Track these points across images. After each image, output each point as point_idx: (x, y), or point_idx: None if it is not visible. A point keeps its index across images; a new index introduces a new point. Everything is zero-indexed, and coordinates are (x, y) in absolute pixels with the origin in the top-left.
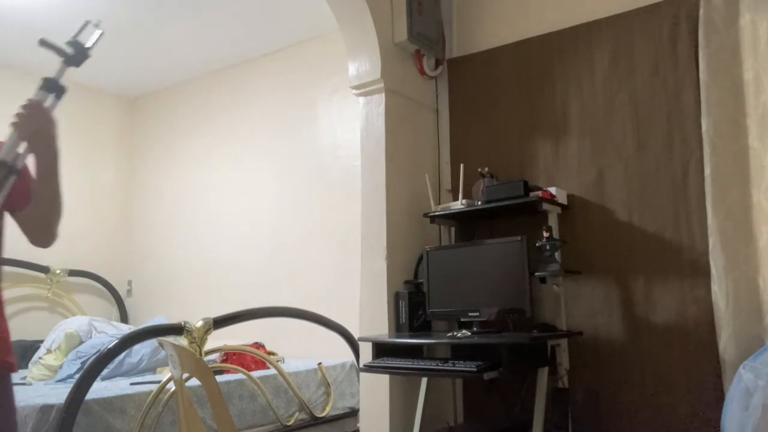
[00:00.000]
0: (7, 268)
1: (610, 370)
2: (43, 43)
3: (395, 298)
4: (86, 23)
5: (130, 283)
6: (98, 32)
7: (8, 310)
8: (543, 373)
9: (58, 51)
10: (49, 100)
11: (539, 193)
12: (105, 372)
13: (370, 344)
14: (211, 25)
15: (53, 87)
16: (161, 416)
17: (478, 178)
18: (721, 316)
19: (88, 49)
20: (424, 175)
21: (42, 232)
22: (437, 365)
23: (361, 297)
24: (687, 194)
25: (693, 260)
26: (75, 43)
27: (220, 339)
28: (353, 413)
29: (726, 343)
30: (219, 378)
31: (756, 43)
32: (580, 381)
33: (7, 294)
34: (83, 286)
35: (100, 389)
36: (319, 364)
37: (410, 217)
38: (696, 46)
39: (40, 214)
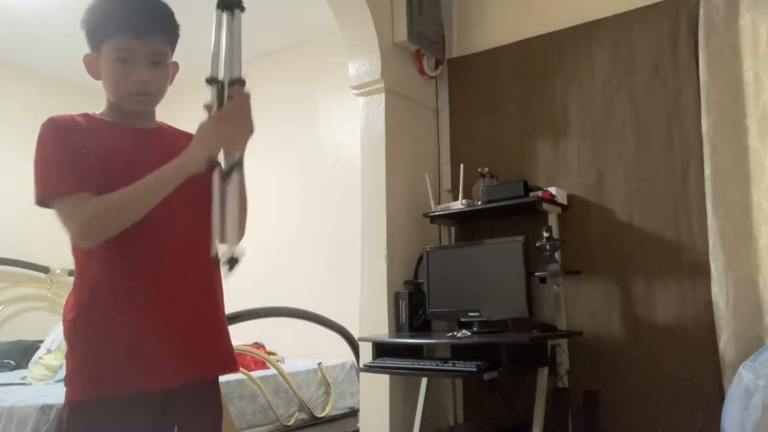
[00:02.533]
0: (7, 268)
1: (610, 370)
2: None
3: (395, 298)
4: None
5: None
6: None
7: (8, 310)
8: (543, 373)
9: None
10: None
11: (539, 193)
12: None
13: (370, 344)
14: (210, 25)
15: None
16: None
17: (478, 178)
18: (721, 316)
19: None
20: (424, 175)
21: (242, 232)
22: (437, 365)
23: (361, 297)
24: (687, 194)
25: (693, 260)
26: None
27: None
28: (353, 413)
29: (726, 343)
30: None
31: (756, 43)
32: (580, 381)
33: (7, 294)
34: None
35: None
36: (319, 364)
37: (410, 217)
38: (696, 46)
39: (243, 218)
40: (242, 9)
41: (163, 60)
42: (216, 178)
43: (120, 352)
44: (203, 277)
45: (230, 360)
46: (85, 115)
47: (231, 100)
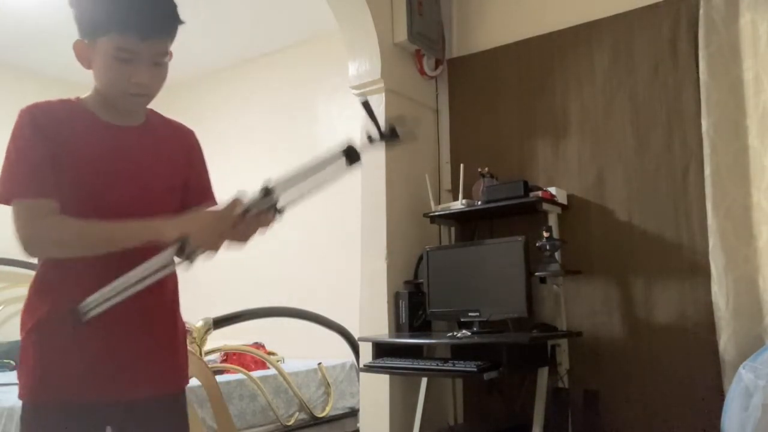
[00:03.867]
0: (7, 268)
1: (610, 370)
2: (367, 106)
3: (395, 298)
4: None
5: None
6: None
7: (8, 310)
8: (543, 373)
9: (377, 125)
10: (341, 166)
11: (539, 193)
12: None
13: (370, 344)
14: (210, 25)
15: (354, 156)
16: None
17: (478, 178)
18: (721, 316)
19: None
20: (424, 175)
21: None
22: (437, 365)
23: (361, 297)
24: (687, 194)
25: (693, 260)
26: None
27: (220, 339)
28: (353, 413)
29: (726, 343)
30: (219, 378)
31: (756, 43)
32: (580, 381)
33: (7, 294)
34: None
35: None
36: (319, 364)
37: (410, 217)
38: (696, 46)
39: None
40: (359, 162)
41: (164, 59)
42: (171, 251)
43: (76, 360)
44: (162, 290)
45: (179, 377)
46: (66, 103)
47: (252, 218)
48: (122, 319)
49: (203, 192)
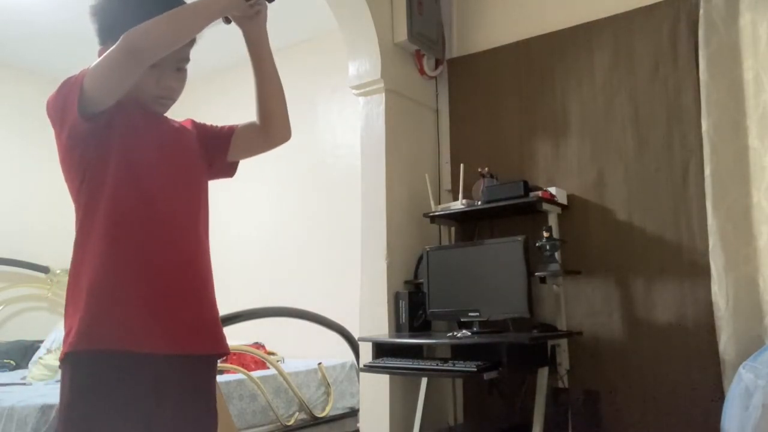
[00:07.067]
0: (7, 268)
1: (610, 370)
2: None
3: (395, 298)
4: None
5: None
6: None
7: (8, 310)
8: (543, 373)
9: None
10: None
11: (539, 193)
12: None
13: (370, 344)
14: (210, 25)
15: None
16: None
17: (478, 178)
18: (721, 316)
19: None
20: (424, 175)
21: (286, 115)
22: (437, 365)
23: (361, 297)
24: (687, 194)
25: (693, 260)
26: None
27: None
28: (353, 413)
29: (726, 343)
30: (219, 378)
31: (756, 43)
32: (580, 381)
33: (7, 294)
34: None
35: None
36: (319, 364)
37: (410, 217)
38: (696, 46)
39: (281, 97)
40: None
41: (186, 65)
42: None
43: (140, 312)
44: (206, 264)
45: (226, 343)
46: None
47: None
48: (179, 276)
49: (217, 130)
